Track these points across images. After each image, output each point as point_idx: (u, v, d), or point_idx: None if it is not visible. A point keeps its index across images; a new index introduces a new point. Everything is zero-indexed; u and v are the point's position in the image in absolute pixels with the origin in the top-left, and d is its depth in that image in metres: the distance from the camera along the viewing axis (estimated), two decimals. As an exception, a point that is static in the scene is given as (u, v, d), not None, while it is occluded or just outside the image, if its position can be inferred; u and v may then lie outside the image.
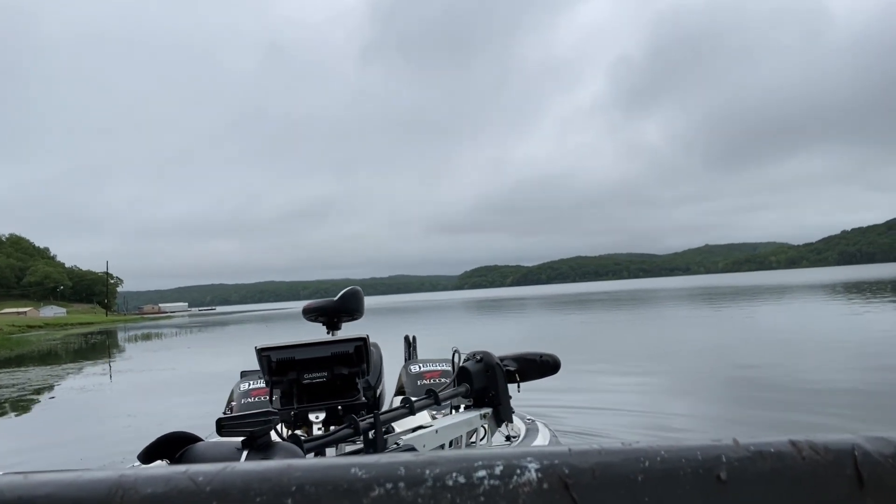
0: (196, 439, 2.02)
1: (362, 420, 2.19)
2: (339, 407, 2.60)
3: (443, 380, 3.72)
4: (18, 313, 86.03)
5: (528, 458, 0.47)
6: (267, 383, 2.70)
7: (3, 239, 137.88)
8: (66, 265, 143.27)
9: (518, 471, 0.46)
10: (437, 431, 2.49)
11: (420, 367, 3.97)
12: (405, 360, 4.60)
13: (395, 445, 2.24)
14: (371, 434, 2.21)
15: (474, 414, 2.75)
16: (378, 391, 3.65)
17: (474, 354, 3.00)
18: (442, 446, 2.53)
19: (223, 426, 1.86)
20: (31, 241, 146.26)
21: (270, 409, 2.15)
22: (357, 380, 2.65)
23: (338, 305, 3.34)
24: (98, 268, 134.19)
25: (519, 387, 3.11)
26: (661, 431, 5.74)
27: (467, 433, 2.69)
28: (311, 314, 3.48)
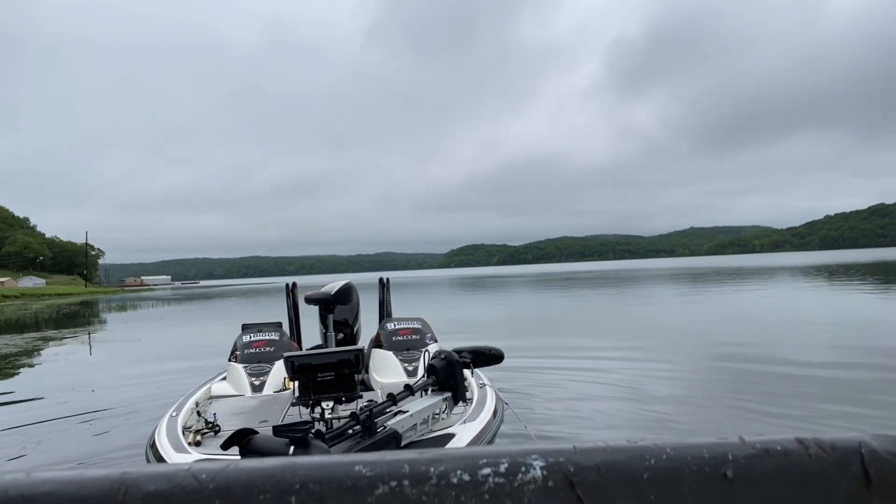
0: (256, 433, 2.71)
1: (361, 413, 2.98)
2: (343, 398, 3.50)
3: (413, 337, 4.86)
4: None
5: (533, 456, 0.46)
6: (291, 379, 3.54)
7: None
8: (47, 236, 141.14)
9: (523, 468, 0.46)
10: (412, 415, 3.19)
11: (395, 325, 4.98)
12: (379, 301, 5.98)
13: (382, 428, 3.00)
14: (366, 423, 2.99)
15: (438, 398, 3.51)
16: (355, 329, 5.06)
17: (439, 353, 3.76)
18: (415, 425, 3.24)
19: (278, 430, 2.61)
20: (11, 210, 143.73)
21: (309, 419, 3.06)
22: (355, 377, 3.53)
23: (334, 297, 4.56)
24: (81, 239, 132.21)
25: (472, 372, 4.06)
26: (643, 403, 5.46)
27: (432, 413, 3.45)
28: (311, 301, 4.62)
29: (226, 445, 2.63)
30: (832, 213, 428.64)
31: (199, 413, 3.94)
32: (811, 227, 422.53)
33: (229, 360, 4.89)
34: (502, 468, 0.45)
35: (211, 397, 4.47)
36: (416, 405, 3.33)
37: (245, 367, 4.62)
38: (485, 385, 4.09)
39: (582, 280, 42.26)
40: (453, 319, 14.75)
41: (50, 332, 18.28)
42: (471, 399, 3.85)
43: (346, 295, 4.65)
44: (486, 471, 0.45)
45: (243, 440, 2.61)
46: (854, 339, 9.18)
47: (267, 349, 4.81)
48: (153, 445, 3.50)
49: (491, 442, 3.70)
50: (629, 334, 11.12)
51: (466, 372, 3.78)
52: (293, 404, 3.60)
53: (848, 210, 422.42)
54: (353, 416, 2.93)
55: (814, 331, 10.52)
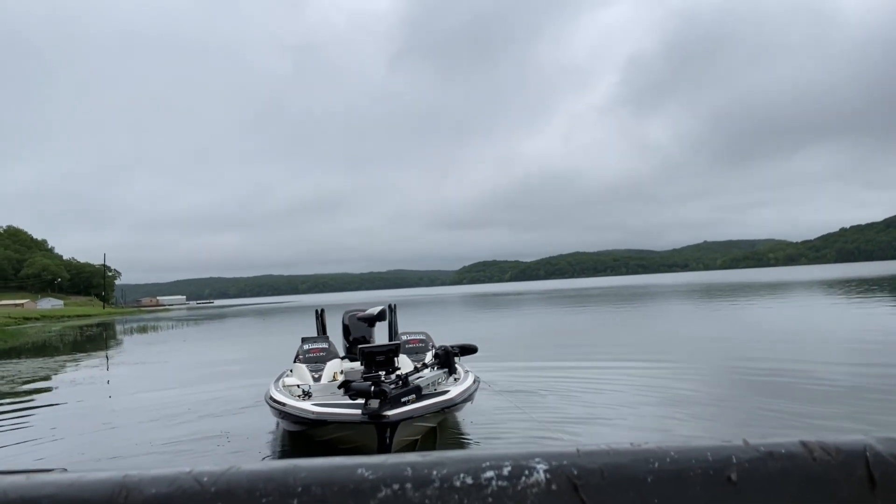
0: (354, 381, 4.73)
1: (404, 377, 5.13)
2: (390, 369, 5.65)
3: (420, 345, 7.52)
4: (15, 305, 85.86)
5: (537, 459, 0.47)
6: (360, 362, 5.94)
7: (1, 231, 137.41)
8: (65, 258, 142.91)
9: (526, 471, 0.46)
10: (426, 378, 5.51)
11: (407, 336, 7.65)
12: (389, 323, 8.01)
13: (411, 384, 5.04)
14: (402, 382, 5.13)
15: (440, 372, 6.05)
16: (371, 342, 7.30)
17: (440, 347, 6.35)
18: (428, 385, 5.38)
19: (364, 378, 4.83)
20: (30, 233, 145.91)
21: (380, 375, 5.13)
22: (395, 359, 5.94)
23: (377, 316, 7.26)
24: (98, 260, 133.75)
25: (459, 359, 6.37)
26: (648, 406, 5.69)
27: (437, 380, 5.84)
28: (362, 319, 7.34)
29: (339, 387, 4.87)
30: (847, 226, 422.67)
31: (298, 385, 6.15)
32: (826, 240, 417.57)
33: (294, 362, 7.09)
34: (505, 471, 0.46)
35: (285, 386, 6.31)
36: (429, 374, 5.86)
37: (307, 365, 6.76)
38: (468, 371, 6.44)
39: (594, 296, 42.29)
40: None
41: (78, 355, 18.73)
42: (458, 377, 6.20)
43: (384, 315, 7.36)
44: (490, 474, 0.46)
45: (348, 384, 4.66)
46: (864, 346, 9.23)
47: (321, 353, 7.15)
48: (272, 398, 5.55)
49: (471, 397, 5.65)
50: (638, 345, 11.23)
51: (455, 358, 6.31)
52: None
53: (864, 222, 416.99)
54: (398, 377, 5.18)
55: (825, 341, 10.55)
